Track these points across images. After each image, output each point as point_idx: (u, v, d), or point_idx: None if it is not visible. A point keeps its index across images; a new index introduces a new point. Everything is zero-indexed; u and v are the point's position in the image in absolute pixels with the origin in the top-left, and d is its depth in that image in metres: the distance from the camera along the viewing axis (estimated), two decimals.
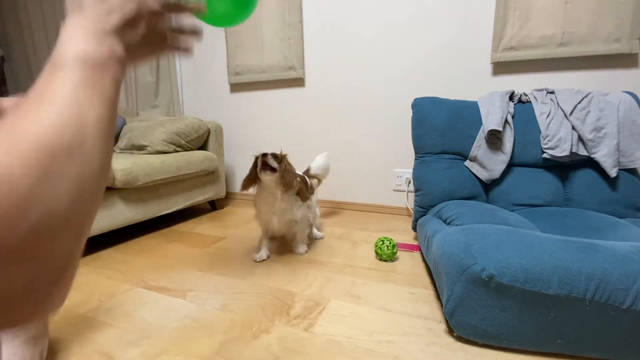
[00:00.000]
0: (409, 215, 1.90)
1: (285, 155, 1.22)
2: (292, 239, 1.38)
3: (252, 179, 1.24)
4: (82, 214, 0.23)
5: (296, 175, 1.25)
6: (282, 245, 1.44)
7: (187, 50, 0.43)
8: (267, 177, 1.16)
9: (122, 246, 1.48)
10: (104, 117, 0.26)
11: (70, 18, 0.31)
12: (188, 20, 0.42)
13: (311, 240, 1.50)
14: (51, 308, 0.23)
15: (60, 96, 0.24)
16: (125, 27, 0.33)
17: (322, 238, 1.54)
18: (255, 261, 1.28)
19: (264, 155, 1.15)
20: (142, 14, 0.35)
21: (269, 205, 1.25)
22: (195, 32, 0.43)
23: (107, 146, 0.26)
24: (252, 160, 1.25)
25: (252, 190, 1.31)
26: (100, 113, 0.26)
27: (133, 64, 0.36)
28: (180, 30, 0.42)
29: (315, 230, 1.55)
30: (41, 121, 0.22)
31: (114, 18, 0.32)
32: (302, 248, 1.35)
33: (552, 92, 1.40)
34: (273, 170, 1.15)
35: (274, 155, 1.17)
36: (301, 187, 1.26)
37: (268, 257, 1.31)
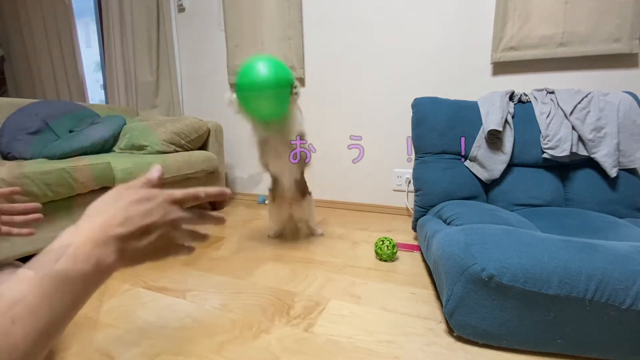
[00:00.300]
0: (409, 215, 1.90)
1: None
2: (299, 227, 1.54)
3: None
4: None
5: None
6: (282, 245, 1.44)
7: (191, 251, 0.40)
8: None
9: None
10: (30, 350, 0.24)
11: (80, 222, 0.30)
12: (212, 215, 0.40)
13: (311, 237, 1.52)
14: None
15: None
16: (134, 235, 0.32)
17: (322, 235, 1.55)
18: (269, 236, 1.48)
19: None
20: (158, 225, 0.33)
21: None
22: (219, 221, 0.41)
23: None
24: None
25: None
26: (28, 343, 0.24)
27: (126, 267, 0.34)
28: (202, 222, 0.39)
29: (315, 228, 1.58)
30: None
31: (125, 228, 0.31)
32: (318, 228, 1.50)
33: (552, 92, 1.39)
34: None
35: None
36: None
37: (282, 231, 1.49)
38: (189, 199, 0.37)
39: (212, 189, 0.38)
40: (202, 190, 0.37)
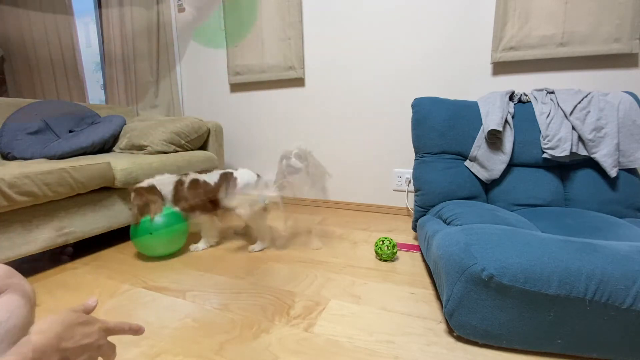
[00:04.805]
0: (409, 215, 1.90)
1: (139, 189, 1.29)
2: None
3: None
4: None
5: (148, 199, 1.28)
6: (281, 245, 1.44)
7: None
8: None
9: (122, 246, 1.48)
10: None
11: (39, 329, 0.41)
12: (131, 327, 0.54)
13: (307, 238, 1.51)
14: None
15: None
16: (74, 350, 0.43)
17: (260, 250, 1.40)
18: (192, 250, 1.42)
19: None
20: (91, 347, 0.46)
21: None
22: (138, 332, 0.54)
23: None
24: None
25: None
26: None
27: None
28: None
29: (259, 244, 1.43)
30: None
31: (71, 343, 0.43)
32: (256, 246, 1.40)
33: (552, 92, 1.39)
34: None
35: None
36: (150, 203, 1.29)
37: (204, 248, 1.43)
38: (117, 331, 0.50)
39: (134, 325, 0.53)
40: (126, 325, 0.52)
